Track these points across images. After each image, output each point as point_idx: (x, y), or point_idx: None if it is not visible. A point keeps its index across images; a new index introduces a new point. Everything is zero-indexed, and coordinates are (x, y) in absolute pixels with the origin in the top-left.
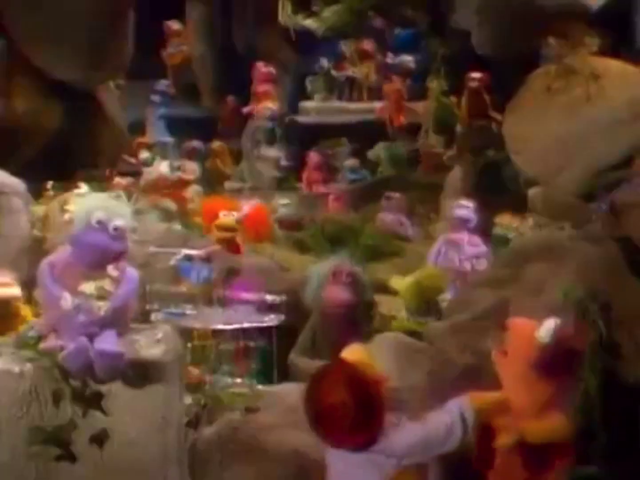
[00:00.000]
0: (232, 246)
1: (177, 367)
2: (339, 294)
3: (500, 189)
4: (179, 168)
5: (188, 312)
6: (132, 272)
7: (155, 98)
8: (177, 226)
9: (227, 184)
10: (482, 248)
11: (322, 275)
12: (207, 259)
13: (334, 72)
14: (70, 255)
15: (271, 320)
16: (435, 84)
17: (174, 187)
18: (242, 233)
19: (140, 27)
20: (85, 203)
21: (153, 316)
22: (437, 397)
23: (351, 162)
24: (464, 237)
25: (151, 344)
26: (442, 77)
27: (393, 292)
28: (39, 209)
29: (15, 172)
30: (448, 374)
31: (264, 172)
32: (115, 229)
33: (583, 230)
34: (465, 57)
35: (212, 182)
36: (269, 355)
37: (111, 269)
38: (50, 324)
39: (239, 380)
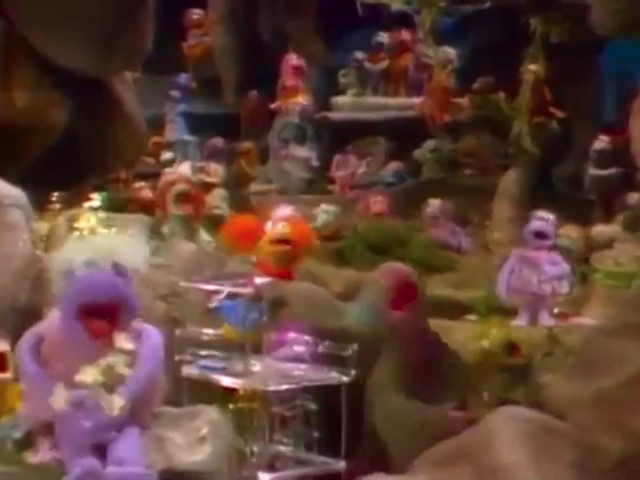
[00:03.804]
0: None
1: (228, 474)
2: None
3: (557, 194)
4: (201, 169)
5: (231, 365)
6: (154, 338)
7: (175, 93)
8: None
9: (252, 187)
10: (564, 267)
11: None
12: (257, 297)
13: (367, 65)
14: (61, 322)
15: (338, 377)
16: (532, 71)
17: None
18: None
19: (157, 16)
20: (75, 248)
21: (184, 370)
22: None
23: (394, 165)
24: (542, 254)
25: (192, 444)
26: (541, 62)
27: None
28: (43, 225)
29: (16, 179)
30: (599, 466)
31: (292, 173)
32: (116, 267)
33: None
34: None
35: (237, 184)
36: (335, 420)
37: (122, 340)
38: (40, 422)
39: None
